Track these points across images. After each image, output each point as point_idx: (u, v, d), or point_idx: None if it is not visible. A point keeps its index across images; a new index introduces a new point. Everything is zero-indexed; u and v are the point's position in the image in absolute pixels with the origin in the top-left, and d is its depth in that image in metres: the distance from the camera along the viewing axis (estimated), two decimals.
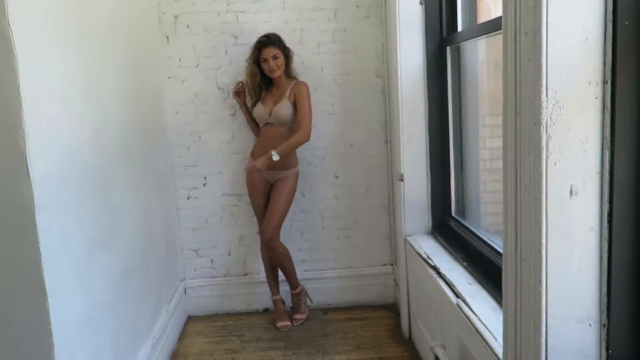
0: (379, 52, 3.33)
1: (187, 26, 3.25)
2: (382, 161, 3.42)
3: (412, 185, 2.89)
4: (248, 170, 3.14)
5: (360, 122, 3.39)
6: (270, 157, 2.94)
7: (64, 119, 1.81)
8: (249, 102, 3.19)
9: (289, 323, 3.23)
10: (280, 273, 3.31)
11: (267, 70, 3.02)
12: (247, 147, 3.35)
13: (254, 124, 3.22)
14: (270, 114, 3.04)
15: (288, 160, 3.08)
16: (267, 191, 3.17)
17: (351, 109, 3.38)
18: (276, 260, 3.19)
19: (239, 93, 3.20)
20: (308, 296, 3.37)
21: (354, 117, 3.39)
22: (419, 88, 2.81)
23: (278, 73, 3.03)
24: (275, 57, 2.99)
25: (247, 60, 3.09)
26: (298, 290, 3.30)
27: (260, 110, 3.08)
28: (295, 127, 3.03)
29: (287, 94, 3.04)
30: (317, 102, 3.29)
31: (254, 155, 3.13)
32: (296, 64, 3.19)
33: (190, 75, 3.30)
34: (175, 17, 3.24)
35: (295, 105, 3.03)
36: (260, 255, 3.32)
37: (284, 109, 3.01)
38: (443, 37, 2.74)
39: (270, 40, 2.99)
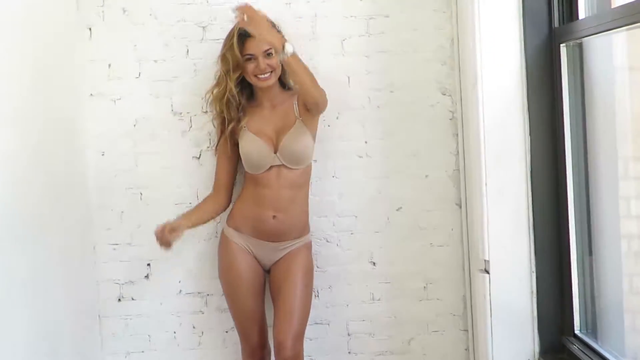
0: (446, 54, 3.35)
1: (124, 11, 3.26)
2: (452, 237, 3.40)
3: (504, 279, 2.91)
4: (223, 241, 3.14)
5: (413, 171, 3.38)
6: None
7: None
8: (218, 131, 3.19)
9: None
10: None
11: (253, 75, 2.98)
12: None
13: (229, 176, 3.18)
14: (277, 151, 3.00)
15: (299, 222, 3.11)
16: (262, 282, 3.16)
17: (398, 149, 3.37)
18: None
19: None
20: None
21: (402, 162, 3.38)
22: (515, 113, 2.88)
23: (273, 80, 3.00)
24: (268, 54, 2.93)
25: (217, 60, 3.08)
26: None
27: (255, 146, 3.02)
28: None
29: (295, 112, 3.04)
30: (340, 136, 3.33)
31: (238, 226, 3.09)
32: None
33: (128, 91, 3.30)
34: None
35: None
36: None
37: (301, 136, 3.00)
38: (554, 28, 2.83)
39: None
